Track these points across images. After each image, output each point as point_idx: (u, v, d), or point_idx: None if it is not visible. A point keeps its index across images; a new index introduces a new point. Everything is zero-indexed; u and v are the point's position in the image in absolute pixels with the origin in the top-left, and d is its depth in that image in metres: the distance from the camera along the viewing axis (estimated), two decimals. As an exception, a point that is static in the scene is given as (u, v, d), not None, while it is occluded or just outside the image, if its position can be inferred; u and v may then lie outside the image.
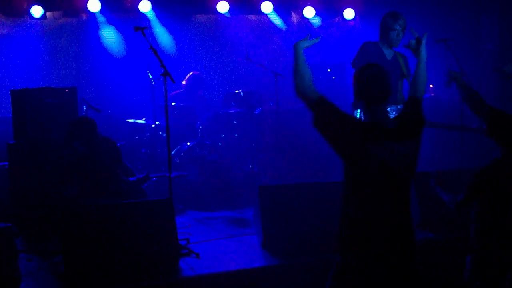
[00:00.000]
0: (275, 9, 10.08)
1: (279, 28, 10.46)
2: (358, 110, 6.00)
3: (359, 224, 3.40)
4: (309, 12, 10.22)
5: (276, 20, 10.39)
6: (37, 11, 8.85)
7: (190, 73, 9.15)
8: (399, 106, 6.04)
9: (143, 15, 9.36)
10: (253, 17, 10.47)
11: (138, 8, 9.24)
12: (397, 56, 6.29)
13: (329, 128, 3.48)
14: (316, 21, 10.46)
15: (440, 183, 5.28)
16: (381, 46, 6.28)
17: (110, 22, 9.37)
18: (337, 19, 10.58)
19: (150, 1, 9.23)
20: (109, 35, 9.47)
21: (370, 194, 3.39)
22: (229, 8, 9.73)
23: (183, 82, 9.09)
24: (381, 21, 6.30)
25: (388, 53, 6.27)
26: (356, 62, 6.20)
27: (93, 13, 9.16)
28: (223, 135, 8.56)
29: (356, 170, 3.41)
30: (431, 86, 9.31)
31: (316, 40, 3.93)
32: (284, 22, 10.44)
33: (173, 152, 8.02)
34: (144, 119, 8.46)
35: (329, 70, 9.55)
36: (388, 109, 5.89)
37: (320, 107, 3.54)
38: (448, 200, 4.93)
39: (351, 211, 3.43)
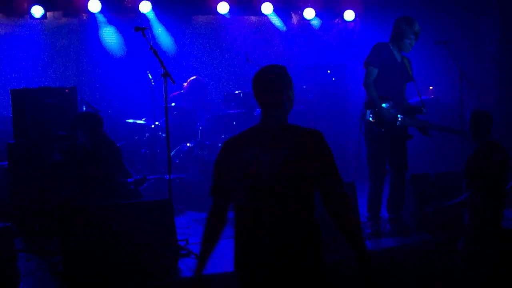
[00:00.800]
0: (275, 10, 10.08)
1: (279, 29, 10.46)
2: (369, 111, 5.98)
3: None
4: (309, 13, 10.22)
5: (276, 21, 10.39)
6: (37, 11, 8.85)
7: (193, 77, 9.14)
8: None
9: (143, 15, 9.36)
10: (253, 18, 10.47)
11: (138, 9, 9.24)
12: (403, 59, 6.29)
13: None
14: (316, 23, 10.46)
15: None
16: (392, 48, 6.24)
17: (110, 22, 9.37)
18: (337, 20, 10.57)
19: (150, 1, 9.23)
20: (109, 35, 9.47)
21: (243, 210, 3.21)
22: (230, 9, 9.73)
23: (185, 84, 9.08)
24: (395, 25, 6.22)
25: (398, 56, 6.27)
26: (370, 61, 6.16)
27: (94, 13, 9.16)
28: (223, 136, 8.56)
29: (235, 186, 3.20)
30: (431, 88, 9.32)
31: None
32: (284, 24, 10.44)
33: (172, 153, 8.03)
34: (143, 119, 8.46)
35: (329, 71, 9.56)
36: (392, 111, 5.95)
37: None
38: (455, 203, 5.30)
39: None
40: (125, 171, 6.57)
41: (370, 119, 6.00)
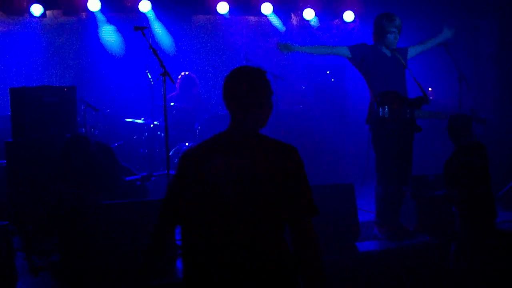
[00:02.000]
0: (274, 11, 10.08)
1: (278, 30, 10.46)
2: (386, 107, 5.76)
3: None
4: (308, 14, 10.23)
5: (276, 21, 10.40)
6: (37, 9, 8.85)
7: (181, 74, 9.15)
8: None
9: (143, 14, 9.36)
10: (252, 18, 10.48)
11: (138, 8, 9.25)
12: (394, 52, 6.19)
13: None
14: (316, 23, 10.46)
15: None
16: (379, 47, 6.18)
17: (110, 21, 9.37)
18: (336, 21, 10.58)
19: (150, 1, 9.23)
20: (109, 35, 9.47)
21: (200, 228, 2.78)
22: (229, 9, 9.74)
23: (175, 84, 9.09)
24: (375, 23, 6.17)
25: (387, 51, 6.17)
26: (353, 48, 6.13)
27: (93, 12, 9.16)
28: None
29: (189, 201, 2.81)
30: (430, 89, 9.32)
31: None
32: (284, 24, 10.45)
33: (171, 152, 8.02)
34: (142, 119, 8.47)
35: (328, 72, 9.56)
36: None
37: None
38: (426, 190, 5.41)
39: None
40: (124, 168, 6.57)
41: (386, 116, 5.78)
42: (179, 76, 9.11)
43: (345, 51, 6.15)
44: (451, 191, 5.29)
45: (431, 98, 9.06)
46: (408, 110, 5.86)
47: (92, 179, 6.00)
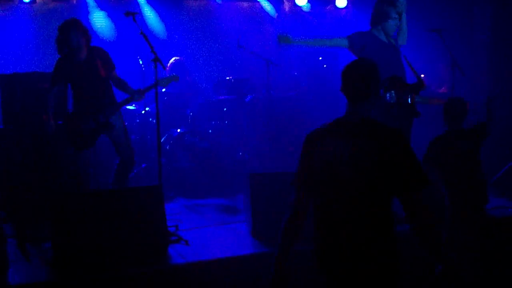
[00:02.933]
0: (267, -4, 10.06)
1: (270, 16, 10.42)
2: (392, 92, 5.73)
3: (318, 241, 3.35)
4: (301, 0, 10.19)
5: (268, 7, 10.35)
6: (27, -5, 8.78)
7: (172, 60, 9.09)
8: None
9: (134, 0, 9.29)
10: (245, 4, 10.43)
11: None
12: (390, 39, 6.18)
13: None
14: (308, 9, 10.43)
15: None
16: (375, 33, 6.15)
17: (100, 6, 9.29)
18: (329, 7, 10.55)
19: (141, -14, 9.18)
20: (100, 20, 9.39)
21: (321, 201, 3.24)
22: (221, -5, 9.69)
23: (166, 69, 9.04)
24: (377, 7, 6.10)
25: (384, 37, 6.16)
26: (352, 38, 6.10)
27: (83, -2, 9.10)
28: (213, 123, 8.54)
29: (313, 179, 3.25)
30: (422, 76, 9.30)
31: None
32: (276, 10, 10.41)
33: (163, 139, 8.00)
34: (134, 105, 8.42)
35: (320, 58, 9.53)
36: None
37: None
38: None
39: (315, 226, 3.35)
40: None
41: (394, 100, 5.76)
42: (170, 62, 9.06)
43: (344, 42, 6.13)
44: (429, 170, 5.29)
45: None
46: (409, 96, 5.86)
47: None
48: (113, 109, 6.23)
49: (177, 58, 9.11)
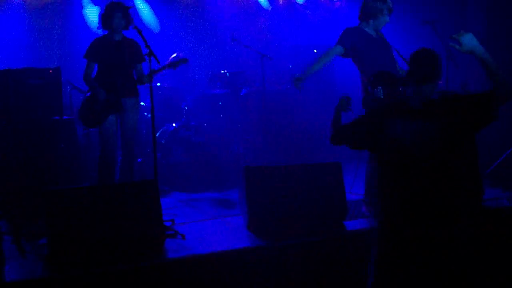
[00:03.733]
0: (261, -11, 10.04)
1: (265, 9, 10.40)
2: (380, 88, 5.70)
3: (391, 208, 3.56)
4: (295, -8, 10.19)
5: (262, 0, 10.33)
6: (20, -11, 8.74)
7: (174, 55, 9.06)
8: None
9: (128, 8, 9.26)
10: (239, -3, 10.42)
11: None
12: (379, 33, 6.16)
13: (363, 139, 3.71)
14: (302, 2, 10.41)
15: None
16: (364, 28, 6.13)
17: (94, 1, 9.26)
18: (323, 0, 10.54)
19: (134, -20, 9.14)
20: (93, 15, 9.34)
21: (395, 176, 3.53)
22: (215, -12, 9.66)
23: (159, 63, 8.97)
24: (367, 3, 6.08)
25: (373, 32, 6.14)
26: (342, 41, 6.11)
27: (77, -8, 9.07)
28: (208, 116, 8.53)
29: (380, 151, 3.59)
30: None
31: None
32: (270, 3, 10.39)
33: (158, 134, 7.99)
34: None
35: (315, 51, 9.52)
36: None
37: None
38: None
39: (383, 195, 3.60)
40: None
41: (381, 96, 5.74)
42: (170, 58, 9.01)
43: (338, 49, 6.14)
44: None
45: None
46: (401, 89, 5.85)
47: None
48: (124, 91, 6.26)
49: (176, 54, 9.07)
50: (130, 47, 6.36)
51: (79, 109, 6.31)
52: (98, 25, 6.40)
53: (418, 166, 3.44)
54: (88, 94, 6.29)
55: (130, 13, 6.29)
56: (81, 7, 9.28)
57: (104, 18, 6.31)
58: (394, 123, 3.51)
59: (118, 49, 6.29)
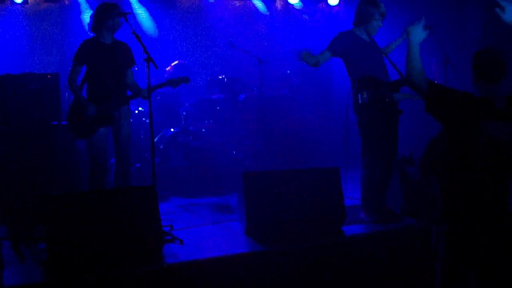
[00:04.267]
0: (259, -5, 10.06)
1: (263, 14, 10.43)
2: (364, 92, 5.82)
3: (463, 196, 3.68)
4: (293, -2, 10.21)
5: (260, 5, 10.36)
6: (18, -5, 8.77)
7: (176, 62, 9.07)
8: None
9: (125, 0, 9.28)
10: (237, 3, 10.43)
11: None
12: (371, 39, 6.18)
13: (444, 110, 3.73)
14: (300, 7, 10.44)
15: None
16: (357, 33, 6.15)
17: (92, 7, 9.27)
18: (321, 5, 10.56)
19: (133, -15, 9.17)
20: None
21: (475, 169, 3.62)
22: (213, -7, 9.69)
23: (168, 69, 9.01)
24: (360, 8, 6.12)
25: (365, 37, 6.15)
26: (333, 46, 6.12)
27: (75, -2, 9.10)
28: (206, 122, 8.55)
29: (465, 144, 3.64)
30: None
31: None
32: (268, 8, 10.42)
33: (156, 139, 8.00)
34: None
35: (313, 56, 9.52)
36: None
37: (434, 93, 3.78)
38: (412, 173, 5.35)
39: (457, 184, 3.72)
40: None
41: (366, 101, 5.82)
42: (172, 65, 9.02)
43: (327, 54, 6.15)
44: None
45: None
46: (387, 94, 5.86)
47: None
48: (118, 102, 6.20)
49: (178, 61, 9.09)
50: (122, 50, 6.27)
51: (67, 115, 6.21)
52: (88, 27, 6.32)
53: (496, 164, 3.58)
54: (73, 100, 6.20)
55: (125, 17, 6.05)
56: (79, 12, 9.30)
57: (96, 19, 6.18)
58: (486, 125, 3.60)
59: (110, 52, 6.18)
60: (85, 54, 6.16)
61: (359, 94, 5.85)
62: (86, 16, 9.28)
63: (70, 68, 6.20)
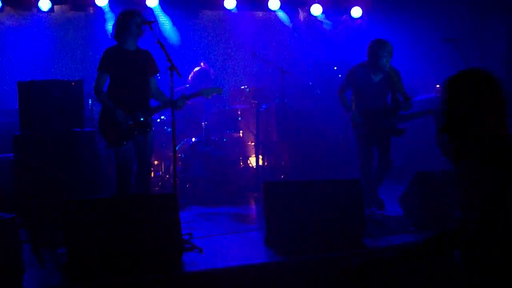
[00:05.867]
0: (282, 6, 10.09)
1: (286, 25, 10.45)
2: (354, 112, 7.00)
3: None
4: (316, 9, 10.22)
5: (283, 17, 10.39)
6: (45, 4, 8.89)
7: (197, 68, 9.11)
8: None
9: (150, 9, 9.37)
10: (260, 14, 10.48)
11: (145, 3, 9.26)
12: (388, 75, 6.88)
13: None
14: (323, 19, 10.45)
15: None
16: (370, 70, 6.94)
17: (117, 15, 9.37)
18: (344, 17, 10.56)
19: (157, -5, 9.25)
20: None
21: None
22: (236, 4, 9.74)
23: (189, 77, 9.05)
24: (369, 48, 6.87)
25: (375, 76, 6.93)
26: (343, 87, 7.19)
27: (100, 7, 9.18)
28: (228, 131, 8.56)
29: None
30: (437, 86, 9.30)
31: None
32: (291, 20, 10.44)
33: (177, 147, 8.03)
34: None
35: (335, 68, 9.53)
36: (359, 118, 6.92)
37: None
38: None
39: None
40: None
41: (358, 120, 7.03)
42: (193, 72, 9.05)
43: (342, 90, 7.26)
44: None
45: (438, 94, 9.05)
46: (361, 121, 6.93)
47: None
48: (151, 110, 6.24)
49: (199, 67, 9.10)
50: (145, 58, 6.28)
51: (98, 124, 6.22)
52: (111, 35, 6.28)
53: None
54: (102, 109, 6.20)
55: (150, 26, 6.05)
56: (104, 21, 9.40)
57: (118, 26, 6.19)
58: None
59: (134, 59, 6.19)
60: (109, 61, 6.17)
61: (349, 113, 7.19)
62: (111, 25, 9.37)
63: (95, 78, 6.21)
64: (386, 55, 6.77)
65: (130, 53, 6.21)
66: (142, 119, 6.14)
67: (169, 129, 8.00)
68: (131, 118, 6.10)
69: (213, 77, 9.23)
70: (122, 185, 6.15)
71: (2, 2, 8.91)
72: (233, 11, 9.91)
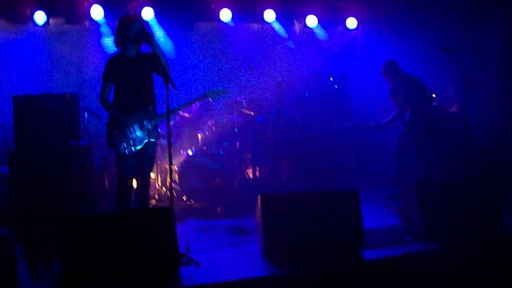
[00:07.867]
0: (277, 18, 10.09)
1: (281, 37, 10.46)
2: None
3: None
4: (311, 21, 10.22)
5: (279, 28, 10.39)
6: (40, 17, 8.87)
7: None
8: None
9: (145, 22, 9.34)
10: (255, 26, 10.48)
11: (140, 15, 9.25)
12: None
13: None
14: (319, 30, 10.46)
15: None
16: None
17: (112, 29, 9.35)
18: (339, 28, 10.57)
19: (153, 8, 9.23)
20: (111, 43, 9.45)
21: None
22: (232, 16, 9.74)
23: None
24: (384, 69, 7.98)
25: None
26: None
27: (96, 21, 9.17)
28: (225, 143, 8.53)
29: None
30: (433, 95, 9.30)
31: None
32: (287, 31, 10.44)
33: (174, 160, 7.99)
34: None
35: (331, 78, 9.54)
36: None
37: None
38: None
39: None
40: None
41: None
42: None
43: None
44: None
45: (435, 104, 9.05)
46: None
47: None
48: (158, 117, 6.20)
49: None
50: (147, 61, 6.16)
51: (106, 134, 6.10)
52: (113, 42, 6.20)
53: None
54: (109, 119, 6.11)
55: (145, 27, 6.07)
56: (99, 34, 9.39)
57: (118, 33, 6.13)
58: None
59: (136, 65, 6.11)
60: (111, 70, 6.10)
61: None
62: (107, 39, 9.36)
63: (100, 87, 6.10)
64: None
65: (131, 60, 6.14)
66: (150, 126, 6.11)
67: (165, 141, 7.97)
68: (138, 126, 6.07)
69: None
70: (121, 197, 6.10)
71: (-4, 16, 8.90)
72: (228, 23, 9.91)
